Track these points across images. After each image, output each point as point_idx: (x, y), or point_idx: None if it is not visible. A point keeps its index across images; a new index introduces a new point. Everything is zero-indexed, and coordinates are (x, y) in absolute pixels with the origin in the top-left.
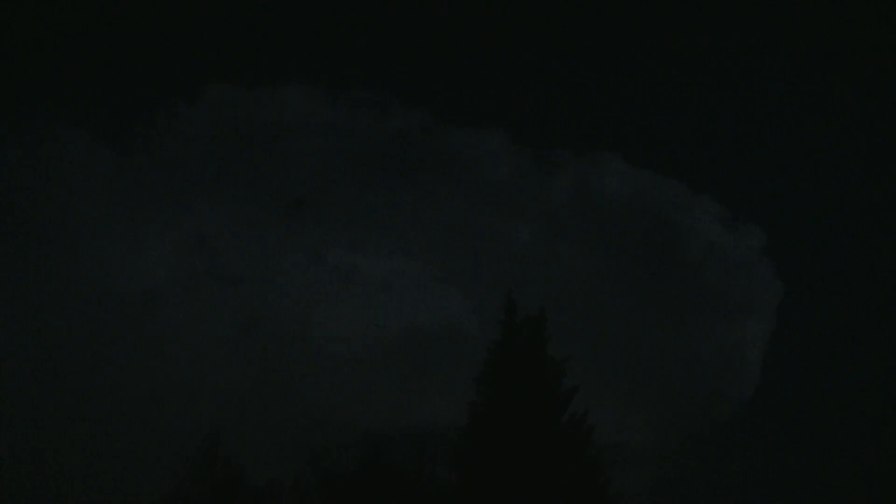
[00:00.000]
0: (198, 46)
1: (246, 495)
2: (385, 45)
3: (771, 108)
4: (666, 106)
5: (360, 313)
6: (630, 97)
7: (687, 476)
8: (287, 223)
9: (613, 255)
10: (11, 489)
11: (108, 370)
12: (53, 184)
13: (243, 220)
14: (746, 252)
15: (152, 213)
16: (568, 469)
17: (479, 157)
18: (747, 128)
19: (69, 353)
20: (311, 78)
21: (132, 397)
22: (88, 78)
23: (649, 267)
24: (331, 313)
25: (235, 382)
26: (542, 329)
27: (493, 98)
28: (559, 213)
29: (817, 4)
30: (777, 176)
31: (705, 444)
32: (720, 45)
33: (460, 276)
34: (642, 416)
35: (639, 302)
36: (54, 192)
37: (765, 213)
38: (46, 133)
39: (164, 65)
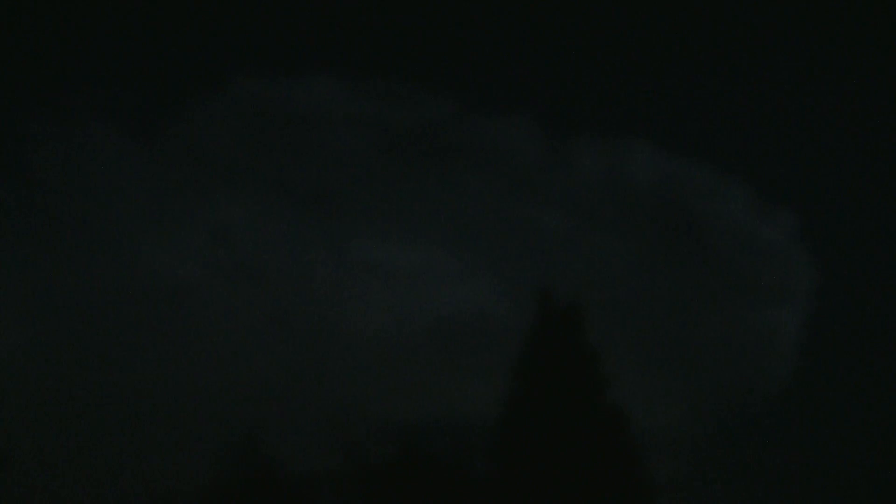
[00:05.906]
0: (222, 38)
1: (283, 489)
2: (409, 34)
3: (801, 88)
4: (693, 89)
5: (388, 306)
6: (657, 81)
7: (723, 464)
8: (311, 217)
9: (643, 242)
10: (45, 485)
11: (140, 366)
12: (81, 177)
13: (267, 213)
14: (778, 238)
15: (178, 207)
16: (606, 459)
17: (506, 145)
18: (775, 108)
19: (100, 350)
20: (334, 68)
21: (165, 393)
22: (115, 71)
23: (679, 254)
24: (358, 307)
25: (266, 378)
26: (577, 319)
27: (520, 85)
28: (588, 201)
29: None
30: (809, 158)
31: (740, 432)
32: (748, 25)
33: (489, 265)
34: (676, 406)
35: (669, 290)
36: (82, 186)
37: (797, 196)
38: (74, 126)
39: (189, 57)
